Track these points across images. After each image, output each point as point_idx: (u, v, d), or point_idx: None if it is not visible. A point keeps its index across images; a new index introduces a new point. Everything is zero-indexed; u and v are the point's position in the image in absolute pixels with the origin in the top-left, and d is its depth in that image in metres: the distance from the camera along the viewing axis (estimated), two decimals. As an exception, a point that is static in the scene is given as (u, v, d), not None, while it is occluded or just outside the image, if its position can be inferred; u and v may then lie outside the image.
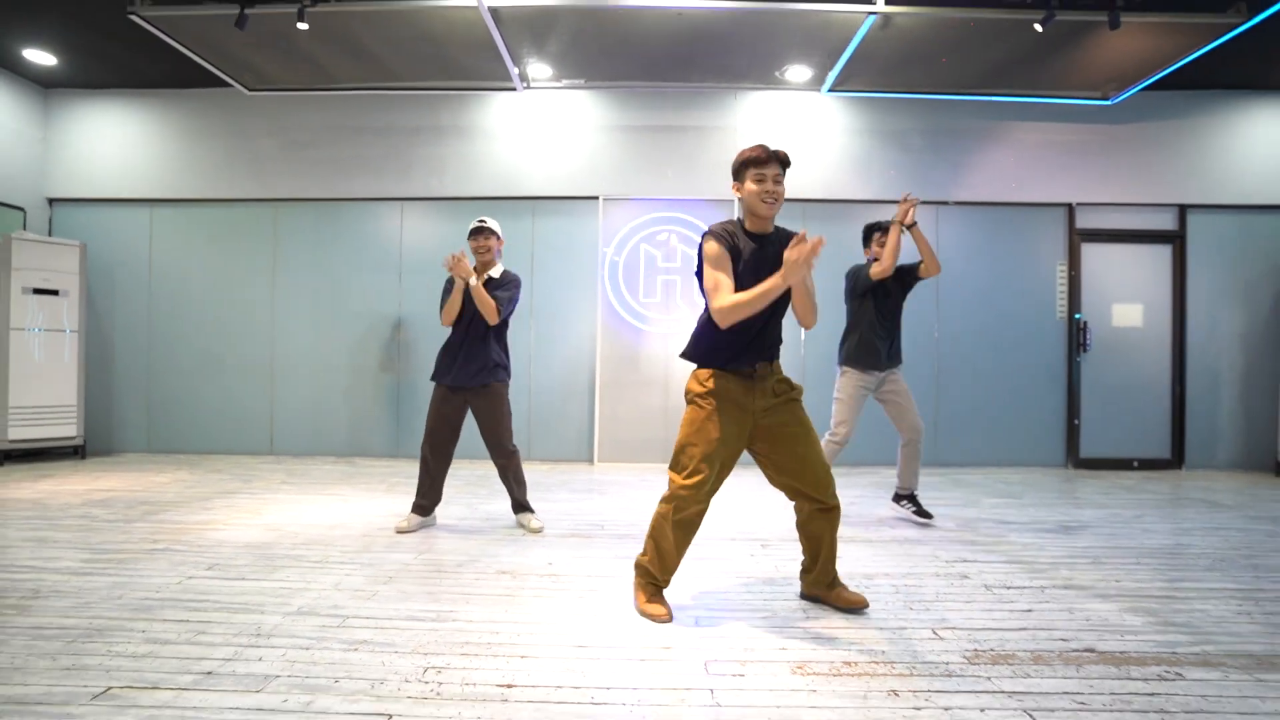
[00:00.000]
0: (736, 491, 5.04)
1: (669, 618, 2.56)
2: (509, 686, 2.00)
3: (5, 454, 5.96)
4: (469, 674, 2.08)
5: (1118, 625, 2.53)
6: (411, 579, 3.00)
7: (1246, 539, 3.87)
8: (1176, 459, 6.49)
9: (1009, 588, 2.97)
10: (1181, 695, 1.99)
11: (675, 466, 2.59)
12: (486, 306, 3.68)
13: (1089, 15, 4.66)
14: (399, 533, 3.80)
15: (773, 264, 2.53)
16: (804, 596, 2.80)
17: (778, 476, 2.66)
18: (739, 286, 2.52)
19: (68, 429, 6.31)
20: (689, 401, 2.65)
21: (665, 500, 2.59)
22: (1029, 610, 2.69)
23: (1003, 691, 2.00)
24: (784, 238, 2.62)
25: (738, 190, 2.61)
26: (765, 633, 2.44)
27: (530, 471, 5.99)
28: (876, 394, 4.15)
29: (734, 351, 2.58)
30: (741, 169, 2.59)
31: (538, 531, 3.84)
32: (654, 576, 2.65)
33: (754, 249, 2.59)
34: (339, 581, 2.95)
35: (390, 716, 1.82)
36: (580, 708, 1.89)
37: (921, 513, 4.18)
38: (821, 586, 2.73)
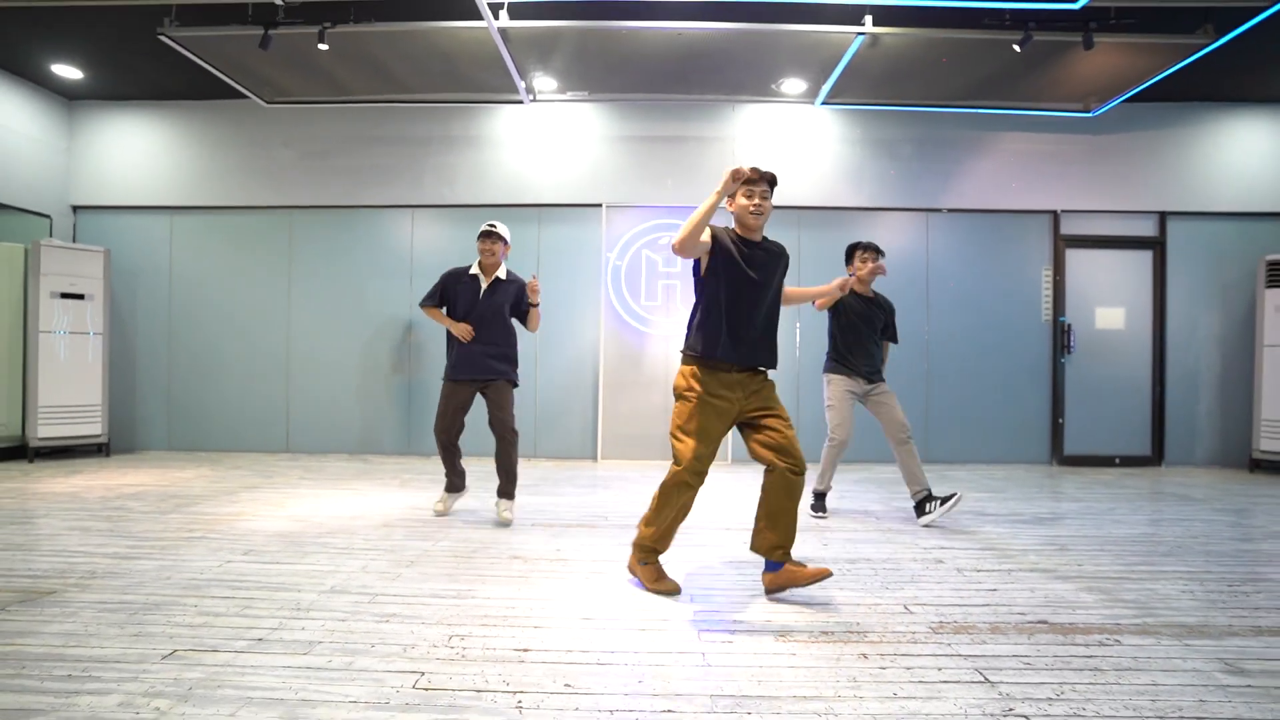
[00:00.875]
0: (732, 485, 5.32)
1: (679, 590, 2.89)
2: (525, 650, 2.28)
3: (35, 451, 6.25)
4: (489, 640, 2.36)
5: (1072, 602, 2.81)
6: (431, 563, 3.27)
7: (1208, 529, 4.14)
8: (1156, 456, 6.76)
9: (979, 570, 3.24)
10: (1115, 657, 2.26)
11: (673, 453, 2.89)
12: (535, 323, 4.28)
13: (1064, 36, 4.93)
14: (438, 515, 4.26)
15: (763, 262, 2.95)
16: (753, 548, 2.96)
17: (760, 450, 2.88)
18: (731, 279, 2.88)
19: (93, 427, 6.59)
20: (677, 396, 2.94)
21: (665, 483, 2.89)
22: (994, 590, 2.96)
23: (959, 655, 2.28)
24: (773, 247, 3.02)
25: (730, 206, 2.96)
26: (753, 608, 2.71)
27: (537, 468, 6.29)
28: (864, 401, 4.36)
29: (724, 346, 2.85)
30: (742, 182, 2.89)
31: (508, 523, 4.09)
32: (651, 549, 2.96)
33: (751, 250, 2.94)
34: (365, 565, 3.22)
35: (422, 674, 2.10)
36: (587, 667, 2.16)
37: (945, 499, 4.14)
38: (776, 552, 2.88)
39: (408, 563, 3.27)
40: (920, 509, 4.20)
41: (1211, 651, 2.31)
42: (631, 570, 3.03)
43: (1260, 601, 2.83)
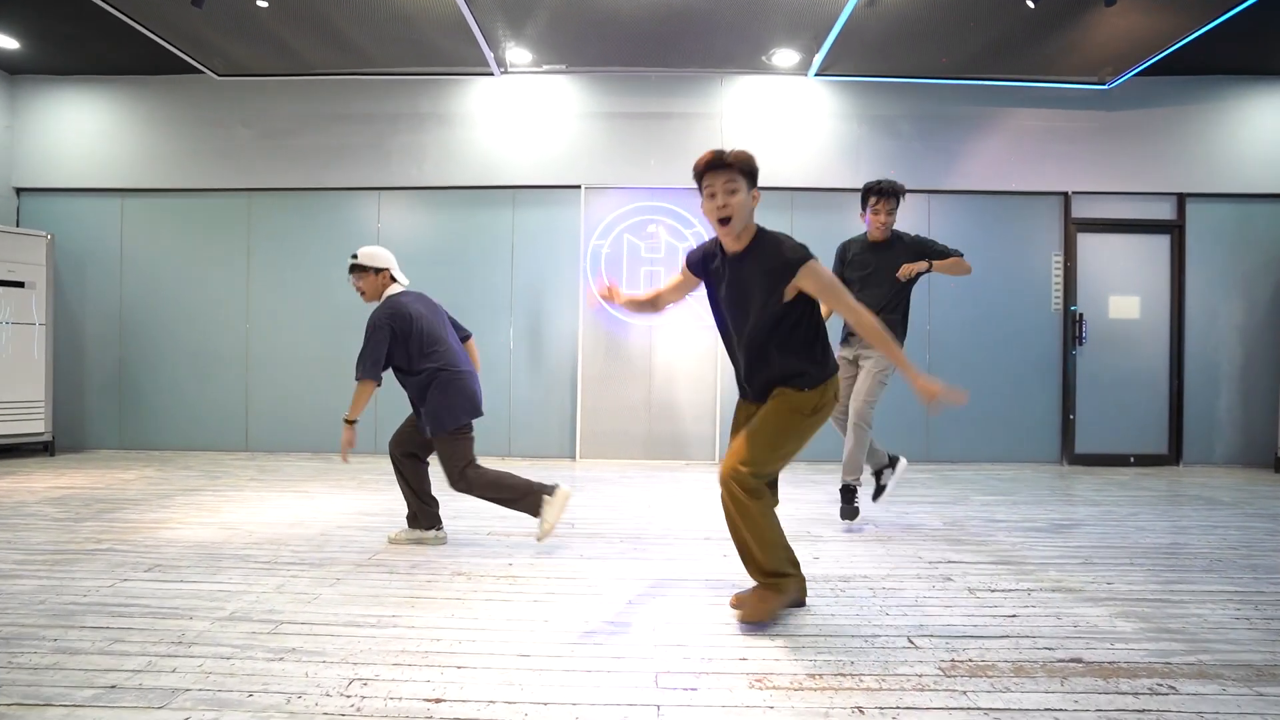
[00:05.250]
0: (712, 488, 4.87)
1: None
2: (436, 701, 1.83)
3: (-31, 450, 5.80)
4: (396, 686, 1.91)
5: (1108, 632, 2.36)
6: (360, 581, 2.82)
7: (1245, 537, 3.69)
8: (1174, 455, 6.31)
9: (994, 590, 2.80)
10: (1174, 711, 1.81)
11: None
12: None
13: (1083, -8, 4.48)
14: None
15: (732, 280, 2.42)
16: None
17: None
18: (711, 305, 2.58)
19: (35, 425, 6.14)
20: None
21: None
22: (1014, 615, 2.52)
23: (979, 708, 1.83)
24: (766, 249, 2.36)
25: (703, 209, 2.41)
26: (726, 641, 2.27)
27: (508, 468, 5.81)
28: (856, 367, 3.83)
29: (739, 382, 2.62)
30: (697, 181, 2.39)
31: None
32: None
33: (725, 264, 2.45)
34: (282, 584, 2.78)
35: (298, 737, 1.65)
36: (511, 727, 1.72)
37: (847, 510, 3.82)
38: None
39: (332, 580, 2.82)
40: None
41: (1291, 702, 1.87)
42: None
43: (1331, 631, 2.38)
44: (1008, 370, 6.32)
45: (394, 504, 4.25)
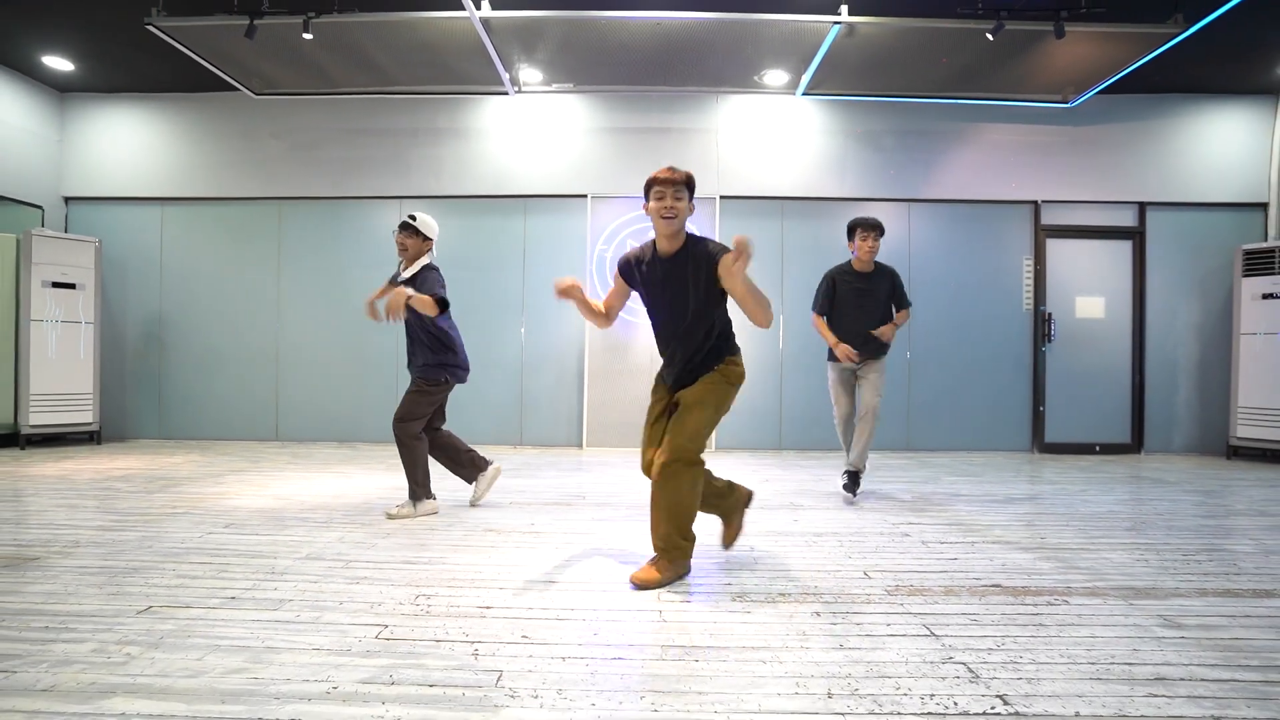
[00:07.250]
0: (716, 467, 5.39)
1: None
2: (487, 608, 2.35)
3: (26, 439, 6.31)
4: (454, 599, 2.43)
5: (1028, 569, 2.88)
6: (407, 534, 3.35)
7: (1173, 507, 4.22)
8: (1136, 443, 6.83)
9: (943, 543, 3.32)
10: (1061, 614, 2.34)
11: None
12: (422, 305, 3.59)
13: (1036, 25, 5.01)
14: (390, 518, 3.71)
15: (668, 279, 2.71)
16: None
17: None
18: (644, 300, 2.86)
19: (84, 415, 6.66)
20: None
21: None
22: (954, 559, 3.04)
23: (910, 613, 2.35)
24: (695, 250, 2.69)
25: (646, 210, 2.72)
26: (715, 573, 2.79)
27: (520, 455, 6.37)
28: (856, 379, 4.45)
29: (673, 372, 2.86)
30: (646, 190, 2.69)
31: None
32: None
33: (655, 266, 2.75)
34: (342, 536, 3.30)
35: (386, 626, 2.17)
36: (546, 622, 2.24)
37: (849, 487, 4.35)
38: None
39: (384, 534, 3.35)
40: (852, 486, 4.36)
41: (1154, 610, 2.39)
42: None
43: (1210, 568, 2.91)
44: (982, 365, 6.85)
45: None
